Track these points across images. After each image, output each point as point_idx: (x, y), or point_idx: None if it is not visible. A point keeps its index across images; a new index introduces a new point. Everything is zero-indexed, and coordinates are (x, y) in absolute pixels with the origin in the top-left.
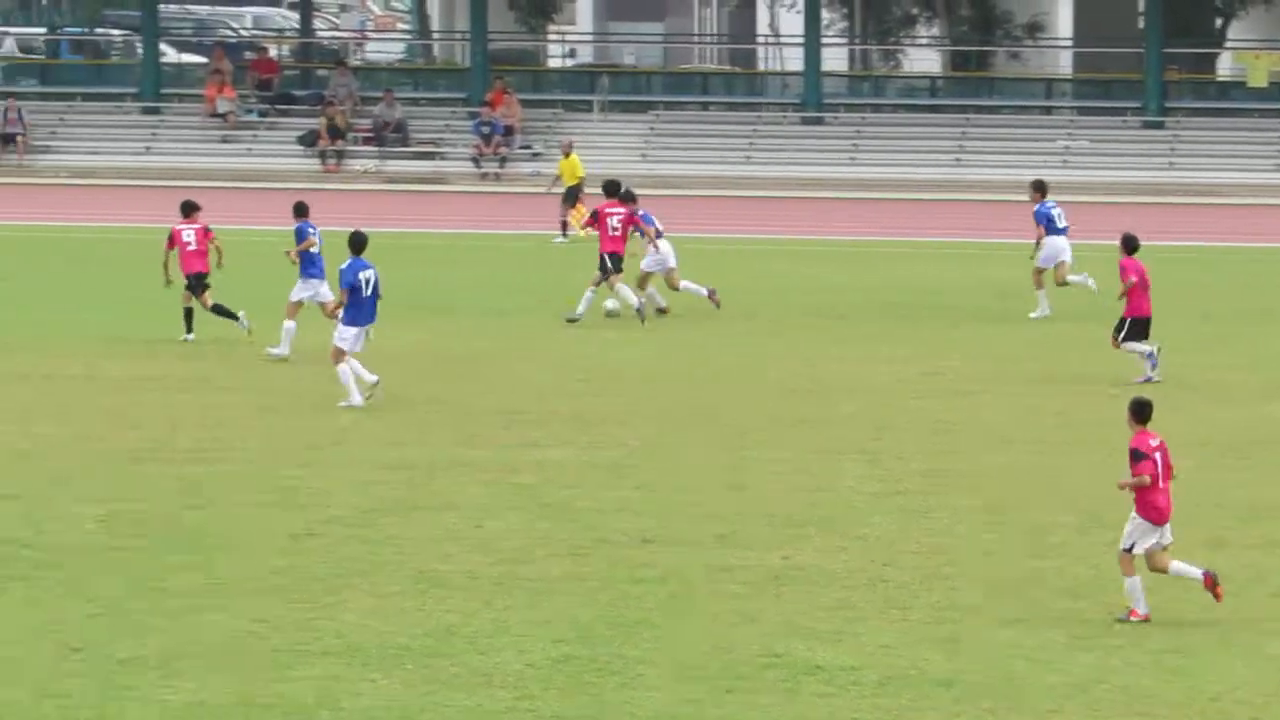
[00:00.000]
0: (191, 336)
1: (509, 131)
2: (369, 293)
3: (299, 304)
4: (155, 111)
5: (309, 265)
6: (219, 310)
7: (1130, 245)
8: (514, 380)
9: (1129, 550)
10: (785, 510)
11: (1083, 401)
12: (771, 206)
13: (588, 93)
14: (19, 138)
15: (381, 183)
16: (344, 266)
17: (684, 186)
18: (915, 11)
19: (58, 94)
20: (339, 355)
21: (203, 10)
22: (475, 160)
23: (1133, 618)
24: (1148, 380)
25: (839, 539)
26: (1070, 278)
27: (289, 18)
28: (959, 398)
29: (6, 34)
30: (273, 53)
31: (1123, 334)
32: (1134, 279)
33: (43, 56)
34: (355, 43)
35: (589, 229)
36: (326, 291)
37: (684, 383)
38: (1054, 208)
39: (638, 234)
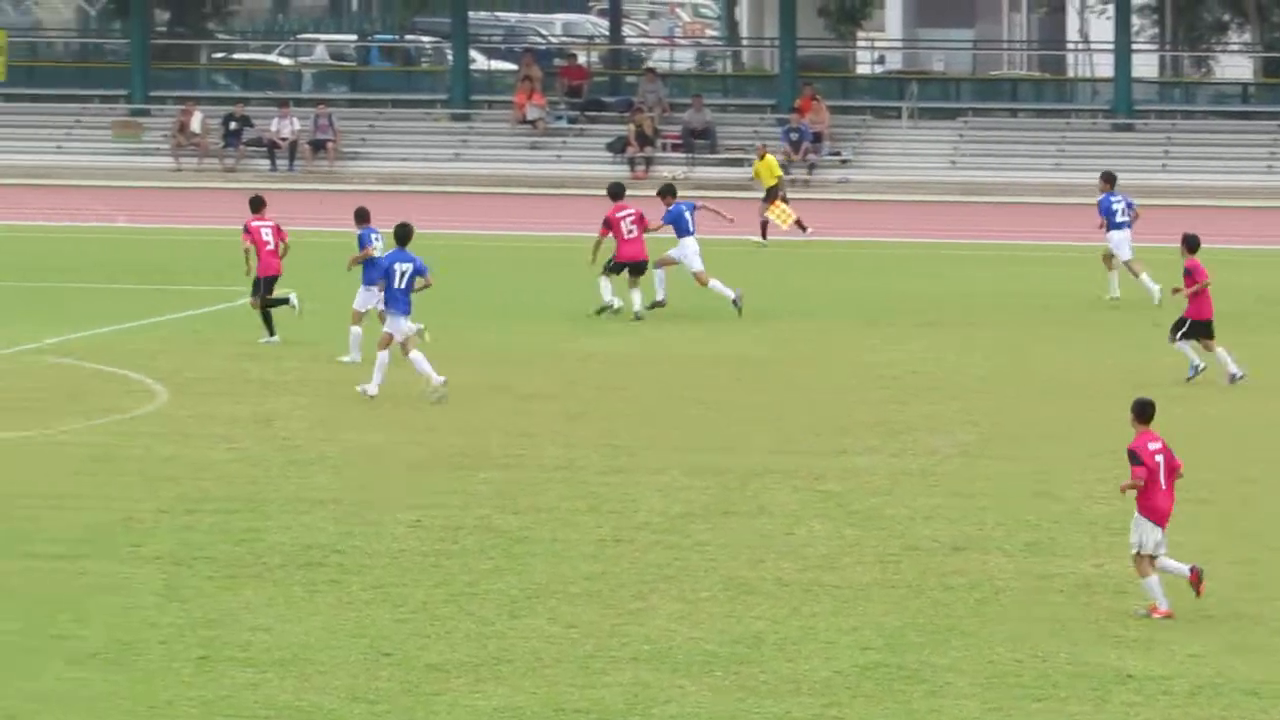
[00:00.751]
0: (276, 339)
1: (818, 138)
2: (401, 285)
3: (364, 312)
4: (465, 118)
5: (371, 272)
6: (267, 308)
7: (1193, 245)
8: (821, 386)
9: (1138, 553)
10: (1097, 517)
11: None
12: (1081, 213)
13: (896, 99)
14: (329, 144)
15: (690, 189)
16: (383, 256)
17: (993, 193)
18: (1226, 18)
19: (368, 101)
20: (386, 340)
21: (512, 17)
22: (784, 167)
23: (1154, 614)
24: (1196, 372)
25: None
26: (1145, 279)
27: (598, 24)
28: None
29: (317, 41)
30: (582, 59)
31: (1181, 333)
32: (1208, 281)
33: (353, 64)
34: (664, 49)
35: (605, 236)
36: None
37: (992, 389)
38: (1118, 201)
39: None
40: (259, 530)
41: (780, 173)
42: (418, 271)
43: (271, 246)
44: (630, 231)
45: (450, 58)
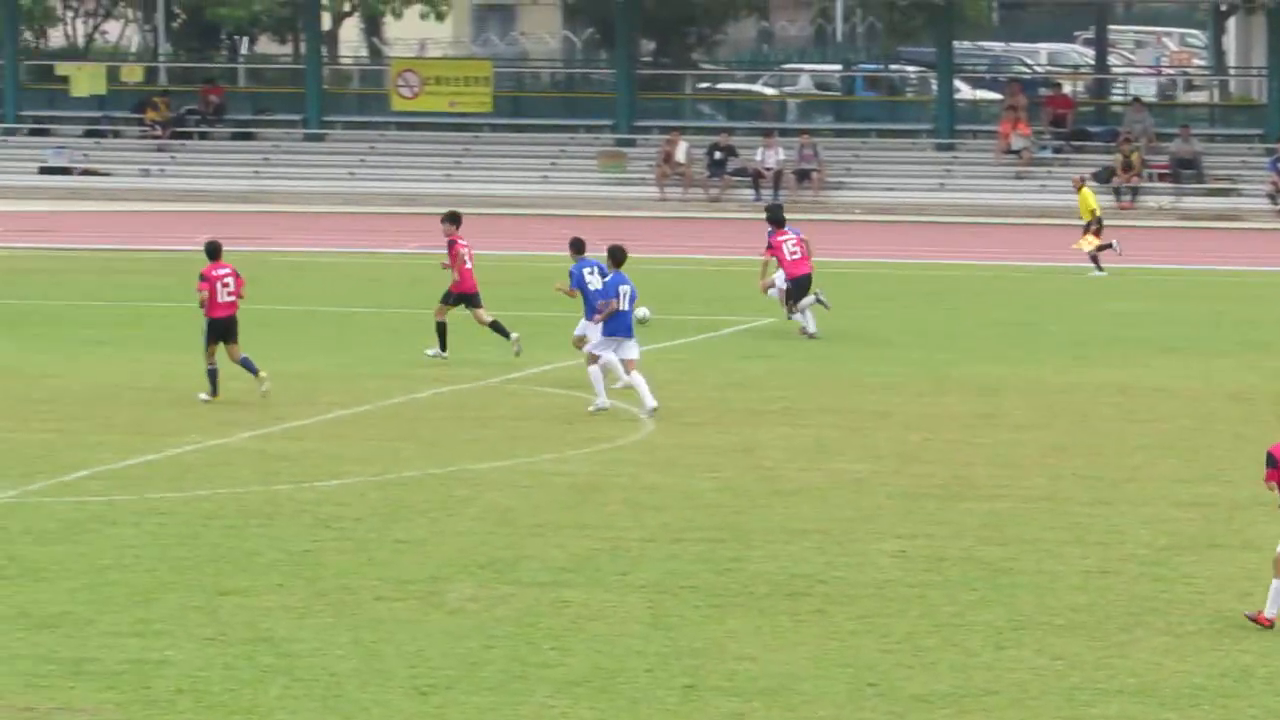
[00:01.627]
0: (445, 355)
1: None
2: (626, 306)
3: (583, 337)
4: (949, 148)
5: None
6: (495, 326)
7: None
8: None
9: None
10: None
11: None
12: None
13: None
14: (814, 174)
15: (1175, 219)
16: (606, 280)
17: None
18: None
19: (852, 130)
20: (593, 358)
21: (997, 47)
22: (1272, 197)
23: (1259, 620)
24: None
25: None
26: None
27: (1083, 54)
28: None
29: (802, 71)
30: (1067, 89)
31: None
32: None
33: (838, 93)
34: (1149, 78)
35: (769, 256)
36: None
37: None
38: None
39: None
40: (744, 559)
41: (1095, 206)
42: (633, 295)
43: (468, 265)
44: (794, 253)
45: (935, 87)
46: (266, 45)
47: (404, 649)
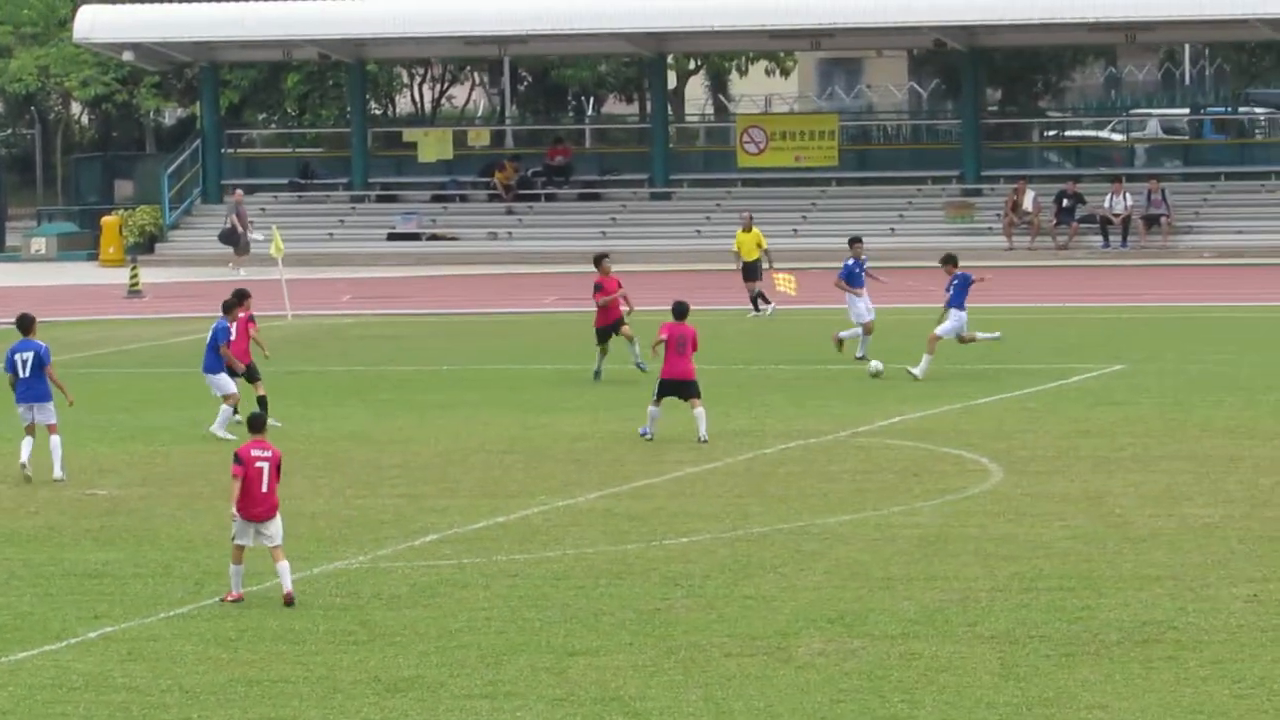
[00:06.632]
0: None
1: None
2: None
3: None
4: None
5: None
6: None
7: None
8: None
9: None
10: None
11: None
12: None
13: None
14: (1164, 219)
15: None
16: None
17: None
18: None
19: (1201, 174)
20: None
21: None
22: None
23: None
24: None
25: None
26: None
27: None
28: None
29: (1150, 116)
30: None
31: None
32: None
33: (1186, 137)
34: None
35: None
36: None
37: None
38: None
39: None
40: (1094, 608)
41: None
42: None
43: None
44: None
45: None
46: (613, 105)
47: (753, 704)
